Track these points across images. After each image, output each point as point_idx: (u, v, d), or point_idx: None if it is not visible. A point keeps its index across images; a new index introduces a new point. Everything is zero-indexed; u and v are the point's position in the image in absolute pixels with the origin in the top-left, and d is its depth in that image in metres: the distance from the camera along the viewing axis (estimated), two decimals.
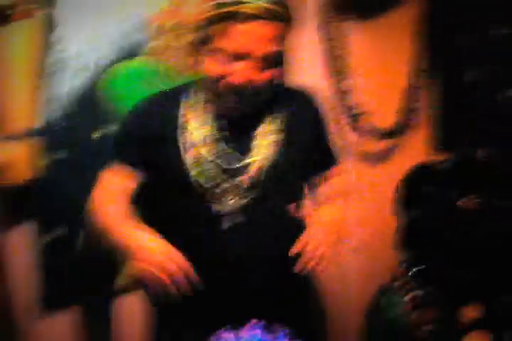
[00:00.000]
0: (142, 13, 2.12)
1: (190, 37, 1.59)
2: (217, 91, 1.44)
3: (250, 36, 1.36)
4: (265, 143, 1.51)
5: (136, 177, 1.52)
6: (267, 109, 1.53)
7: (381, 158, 2.62)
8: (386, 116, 2.55)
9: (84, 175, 2.05)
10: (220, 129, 1.51)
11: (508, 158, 1.56)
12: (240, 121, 1.50)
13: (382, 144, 2.60)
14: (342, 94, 2.56)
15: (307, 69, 2.49)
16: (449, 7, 2.37)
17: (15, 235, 2.02)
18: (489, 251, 1.45)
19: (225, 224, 1.47)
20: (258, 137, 1.52)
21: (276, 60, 1.43)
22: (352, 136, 2.66)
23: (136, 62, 2.15)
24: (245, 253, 1.48)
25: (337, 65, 2.52)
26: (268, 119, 1.54)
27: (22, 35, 1.90)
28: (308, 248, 1.43)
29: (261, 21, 1.36)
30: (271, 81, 1.43)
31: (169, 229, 1.47)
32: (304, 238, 1.45)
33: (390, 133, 2.55)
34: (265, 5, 1.36)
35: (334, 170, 1.71)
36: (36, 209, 2.05)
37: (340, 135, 2.65)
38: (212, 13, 1.38)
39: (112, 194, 1.52)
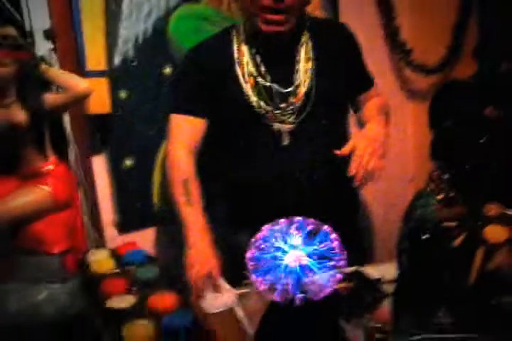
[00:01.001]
0: None
1: None
2: (254, 19, 1.62)
3: None
4: (302, 70, 1.70)
5: (202, 123, 1.70)
6: (300, 39, 1.72)
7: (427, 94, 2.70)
8: (434, 53, 2.65)
9: (154, 110, 2.32)
10: (268, 59, 1.71)
11: None
12: (282, 51, 1.71)
13: (430, 80, 2.70)
14: (393, 31, 2.70)
15: (361, 9, 2.65)
16: None
17: (97, 160, 2.28)
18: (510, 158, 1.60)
19: (285, 140, 1.68)
20: (296, 64, 1.70)
21: None
22: (405, 72, 2.80)
23: (200, 5, 2.35)
24: (305, 164, 1.69)
25: (387, 5, 2.65)
26: (303, 48, 1.72)
27: None
28: (357, 153, 1.56)
29: None
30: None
31: (239, 150, 1.70)
32: (350, 144, 1.59)
33: (437, 69, 2.65)
34: None
35: (372, 91, 1.84)
36: (111, 139, 2.27)
37: (394, 71, 2.81)
38: None
39: (184, 146, 1.69)
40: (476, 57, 2.30)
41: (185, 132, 1.71)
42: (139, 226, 2.36)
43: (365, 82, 1.84)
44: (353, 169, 1.54)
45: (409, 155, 2.87)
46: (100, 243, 2.23)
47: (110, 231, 2.31)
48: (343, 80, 1.72)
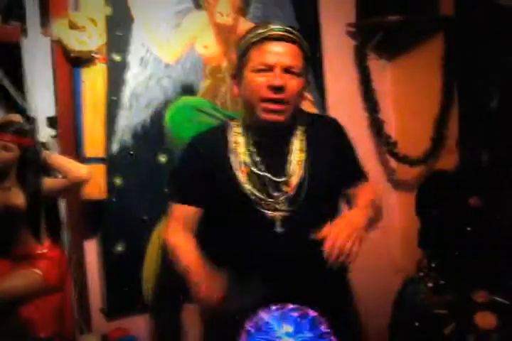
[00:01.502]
0: (201, 54, 2.47)
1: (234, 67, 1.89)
2: (254, 109, 1.72)
3: (277, 51, 1.68)
4: (295, 161, 1.79)
5: (198, 212, 1.78)
6: (294, 131, 1.82)
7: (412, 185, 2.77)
8: (418, 144, 2.77)
9: (148, 197, 2.38)
10: (263, 149, 1.80)
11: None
12: (276, 142, 1.80)
13: (415, 171, 2.80)
14: (378, 125, 2.84)
15: (346, 103, 2.80)
16: (471, 40, 2.56)
17: (89, 244, 2.30)
18: (496, 244, 1.66)
19: (279, 227, 1.72)
20: (289, 155, 1.79)
21: (299, 74, 1.71)
22: (391, 163, 2.91)
23: (196, 98, 2.48)
24: (296, 251, 1.71)
25: (372, 99, 2.81)
26: (296, 140, 1.81)
27: (101, 74, 2.25)
28: (333, 232, 1.57)
29: (285, 42, 1.69)
30: (298, 90, 1.71)
31: (233, 237, 1.74)
32: (327, 226, 1.61)
33: (421, 160, 2.76)
34: (289, 30, 1.70)
35: (366, 186, 1.88)
36: (104, 224, 2.30)
37: (381, 162, 2.91)
38: (250, 36, 1.71)
39: (181, 226, 1.77)
40: (458, 148, 2.42)
41: (181, 219, 1.78)
42: (128, 313, 2.34)
43: (357, 175, 1.88)
44: (326, 247, 1.54)
45: (396, 245, 2.92)
46: (87, 328, 2.20)
47: (98, 317, 2.28)
48: (335, 172, 1.77)
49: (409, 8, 2.66)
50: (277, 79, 1.66)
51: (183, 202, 1.79)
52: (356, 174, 1.89)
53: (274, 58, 1.67)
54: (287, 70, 1.68)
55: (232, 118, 1.89)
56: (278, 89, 1.66)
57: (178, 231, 1.76)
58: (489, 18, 2.47)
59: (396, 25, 2.67)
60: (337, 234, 1.56)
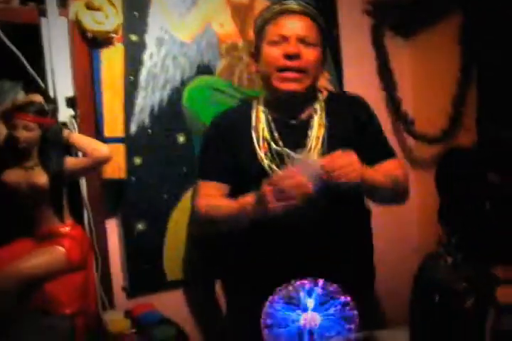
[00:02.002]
0: (217, 32, 2.47)
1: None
2: (272, 81, 1.75)
3: (291, 23, 1.75)
4: (314, 135, 1.80)
5: (224, 187, 1.84)
6: (315, 106, 1.83)
7: (430, 163, 2.79)
8: (436, 123, 2.77)
9: (167, 176, 2.40)
10: (282, 125, 1.82)
11: None
12: (296, 116, 1.81)
13: (433, 149, 2.80)
14: (395, 103, 2.83)
15: (363, 82, 2.79)
16: (490, 18, 2.52)
17: (110, 224, 2.34)
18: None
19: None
20: (309, 131, 1.81)
21: (315, 44, 1.74)
22: (408, 142, 2.91)
23: (213, 77, 2.48)
24: (317, 225, 1.75)
25: (389, 77, 2.79)
26: (316, 115, 1.83)
27: (118, 55, 2.26)
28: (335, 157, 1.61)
29: (299, 15, 1.75)
30: (314, 59, 1.73)
31: None
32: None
33: (439, 138, 2.75)
34: (303, 5, 1.77)
35: (391, 162, 1.89)
36: (125, 204, 2.33)
37: (398, 140, 2.91)
38: (266, 12, 1.74)
39: (215, 200, 1.83)
40: (477, 126, 2.40)
41: (208, 193, 1.84)
42: (149, 291, 2.37)
43: (382, 152, 1.89)
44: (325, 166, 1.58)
45: (415, 223, 2.93)
46: (110, 305, 2.24)
47: (120, 295, 2.32)
48: (356, 148, 1.75)
49: None
50: (292, 47, 1.71)
51: (210, 179, 1.82)
52: (382, 150, 1.90)
53: (288, 29, 1.73)
54: (302, 41, 1.73)
55: (250, 97, 1.90)
56: (293, 57, 1.71)
57: (208, 201, 1.81)
58: None
59: (413, 2, 2.64)
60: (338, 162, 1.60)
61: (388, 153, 1.91)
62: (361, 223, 1.89)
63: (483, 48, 2.58)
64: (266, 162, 1.78)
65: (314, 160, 1.62)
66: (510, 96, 2.45)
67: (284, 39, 1.73)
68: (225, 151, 1.83)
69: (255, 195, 1.64)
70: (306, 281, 1.42)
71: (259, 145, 1.80)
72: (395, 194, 1.82)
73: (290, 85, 1.74)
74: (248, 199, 1.68)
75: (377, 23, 2.80)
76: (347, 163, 1.59)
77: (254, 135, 1.82)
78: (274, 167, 1.77)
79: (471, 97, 2.64)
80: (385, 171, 1.80)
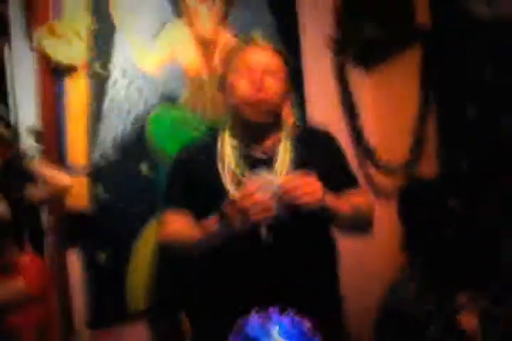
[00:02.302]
0: (182, 63, 2.49)
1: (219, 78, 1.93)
2: (238, 111, 1.78)
3: (257, 55, 1.78)
4: (280, 162, 1.81)
5: (191, 215, 1.81)
6: (279, 140, 1.85)
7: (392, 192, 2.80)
8: (397, 152, 2.82)
9: (130, 205, 2.38)
10: (248, 154, 1.83)
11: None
12: (260, 147, 1.83)
13: (394, 179, 2.84)
14: (357, 133, 2.88)
15: (326, 112, 2.84)
16: (448, 51, 2.62)
17: (72, 254, 2.29)
18: (474, 246, 1.69)
19: (264, 234, 1.71)
20: (275, 157, 1.82)
21: (280, 76, 1.77)
22: (371, 171, 2.95)
23: (176, 106, 2.49)
24: (281, 259, 1.74)
25: (352, 108, 2.85)
26: (281, 145, 1.84)
27: (83, 85, 2.26)
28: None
29: (265, 48, 1.80)
30: (279, 91, 1.76)
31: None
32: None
33: (401, 168, 2.80)
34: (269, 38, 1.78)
35: (356, 192, 1.88)
36: (86, 234, 2.30)
37: (361, 170, 2.94)
38: (234, 46, 1.78)
39: (180, 224, 1.82)
40: (437, 155, 2.46)
41: (175, 222, 1.82)
42: (112, 324, 2.32)
43: (346, 181, 1.88)
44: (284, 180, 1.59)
45: (378, 251, 2.95)
46: (72, 339, 2.18)
47: (83, 328, 2.26)
48: (321, 176, 1.74)
49: (387, 18, 2.70)
50: (257, 78, 1.73)
51: (175, 208, 1.82)
52: (346, 179, 1.90)
53: (254, 61, 1.76)
54: (267, 72, 1.75)
55: (216, 125, 1.92)
56: (259, 87, 1.72)
57: (173, 228, 1.81)
58: (465, 29, 2.53)
59: (373, 35, 2.71)
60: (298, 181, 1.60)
61: (353, 182, 1.92)
62: (326, 250, 1.89)
63: (442, 80, 2.65)
64: (231, 190, 1.78)
65: (273, 178, 1.62)
66: (469, 125, 2.51)
67: (250, 70, 1.76)
68: (190, 183, 1.82)
69: (218, 215, 1.64)
70: (270, 309, 1.41)
71: (224, 174, 1.80)
72: (358, 222, 1.83)
73: (256, 116, 1.75)
74: (211, 221, 1.67)
75: (339, 55, 2.86)
76: (306, 184, 1.59)
77: (219, 165, 1.82)
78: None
79: (432, 128, 2.70)
80: (349, 200, 1.81)
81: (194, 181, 1.82)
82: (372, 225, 1.90)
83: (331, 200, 1.68)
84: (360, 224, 1.86)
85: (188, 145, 1.95)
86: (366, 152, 2.89)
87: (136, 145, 2.39)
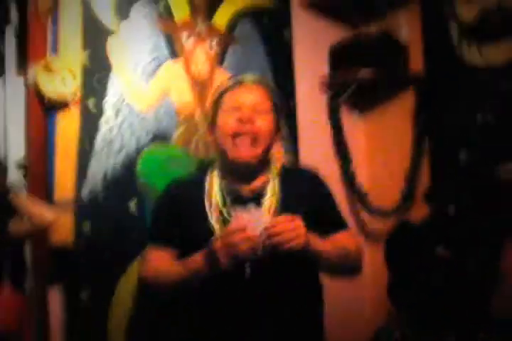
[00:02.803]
0: (175, 102, 2.51)
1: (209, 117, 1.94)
2: (226, 147, 1.78)
3: (246, 92, 1.81)
4: (267, 205, 1.80)
5: (174, 252, 1.80)
6: (268, 177, 1.84)
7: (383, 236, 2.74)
8: (389, 196, 2.80)
9: (116, 243, 2.35)
10: (236, 193, 1.81)
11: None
12: (248, 186, 1.82)
13: (386, 222, 2.81)
14: (349, 176, 2.87)
15: (319, 155, 2.84)
16: (441, 96, 2.64)
17: (53, 291, 2.23)
18: (464, 294, 1.66)
19: (248, 272, 1.68)
20: (262, 199, 1.81)
21: (269, 113, 1.79)
22: (362, 215, 2.92)
23: (168, 145, 2.49)
24: (264, 297, 1.71)
25: (344, 151, 2.85)
26: (269, 186, 1.83)
27: (74, 120, 2.26)
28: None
29: (254, 86, 1.82)
30: (267, 126, 1.78)
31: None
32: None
33: (393, 212, 2.77)
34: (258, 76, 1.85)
35: (344, 234, 1.86)
36: (69, 270, 2.25)
37: (352, 213, 2.92)
38: (222, 88, 1.78)
39: (161, 261, 1.80)
40: (427, 202, 2.44)
41: (158, 258, 1.80)
42: None
43: (335, 224, 1.87)
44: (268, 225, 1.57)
45: (365, 297, 2.90)
46: None
47: None
48: (308, 219, 1.73)
49: (380, 63, 2.73)
50: (245, 113, 1.75)
51: (159, 245, 1.79)
52: (334, 222, 1.89)
53: (242, 98, 1.79)
54: (256, 109, 1.78)
55: (206, 163, 1.92)
56: (246, 122, 1.75)
57: (156, 266, 1.80)
58: (457, 75, 2.55)
59: (367, 79, 2.74)
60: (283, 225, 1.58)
61: (341, 225, 1.90)
62: (311, 292, 1.85)
63: (435, 125, 2.66)
64: (216, 229, 1.76)
65: (262, 216, 1.61)
66: (460, 170, 2.51)
67: (239, 107, 1.78)
68: (176, 219, 1.81)
69: (204, 252, 1.62)
70: None
71: (211, 212, 1.79)
72: (345, 265, 1.80)
73: (243, 152, 1.75)
74: (196, 257, 1.66)
75: (333, 97, 2.88)
76: (290, 229, 1.58)
77: (206, 202, 1.81)
78: None
79: (425, 173, 2.69)
80: (335, 242, 1.78)
81: (179, 217, 1.81)
82: (361, 268, 1.87)
83: (316, 244, 1.66)
84: (347, 266, 1.84)
85: (175, 182, 1.94)
86: (358, 196, 2.87)
87: (125, 182, 2.37)
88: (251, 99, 1.79)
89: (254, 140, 1.76)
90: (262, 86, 1.84)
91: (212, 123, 1.87)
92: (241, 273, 1.67)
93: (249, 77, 1.88)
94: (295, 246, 1.57)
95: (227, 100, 1.82)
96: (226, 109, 1.81)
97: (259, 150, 1.78)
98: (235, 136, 1.76)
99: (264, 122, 1.78)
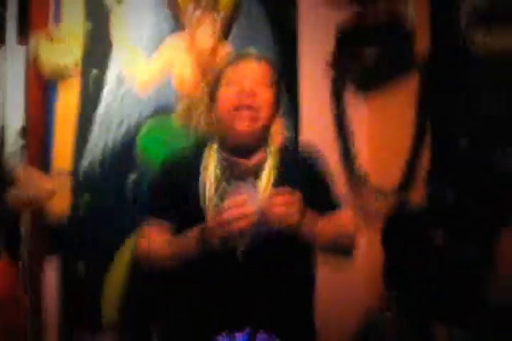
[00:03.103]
0: (178, 75, 2.48)
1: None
2: (227, 121, 1.75)
3: (248, 65, 1.77)
4: (265, 177, 1.79)
5: (170, 228, 1.77)
6: (267, 151, 1.83)
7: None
8: (389, 177, 2.80)
9: (113, 215, 2.35)
10: (234, 166, 1.80)
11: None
12: (248, 159, 1.81)
13: (386, 203, 2.81)
14: (350, 157, 2.85)
15: (319, 134, 2.82)
16: (445, 81, 2.62)
17: (48, 265, 2.25)
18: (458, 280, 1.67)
19: (240, 256, 1.67)
20: (260, 172, 1.80)
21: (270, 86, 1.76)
22: (361, 195, 2.92)
23: (169, 119, 2.48)
24: (256, 279, 1.69)
25: (346, 130, 2.83)
26: (269, 159, 1.82)
27: (75, 89, 2.24)
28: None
29: (255, 59, 1.78)
30: (269, 99, 1.75)
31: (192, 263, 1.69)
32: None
33: (393, 193, 2.77)
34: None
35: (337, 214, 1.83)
36: (65, 243, 2.26)
37: (352, 193, 2.91)
38: (225, 60, 1.77)
39: (157, 238, 1.77)
40: (426, 185, 2.44)
41: (153, 235, 1.77)
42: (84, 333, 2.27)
43: (331, 203, 1.85)
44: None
45: (362, 280, 2.91)
46: None
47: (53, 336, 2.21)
48: (304, 196, 1.67)
49: (386, 43, 2.70)
50: (246, 86, 1.72)
51: (155, 219, 1.78)
52: (331, 201, 1.86)
53: (244, 70, 1.76)
54: (257, 82, 1.75)
55: (204, 139, 1.90)
56: (247, 94, 1.72)
57: (151, 238, 1.77)
58: (463, 61, 2.52)
59: (371, 59, 2.71)
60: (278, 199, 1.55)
61: (337, 205, 1.90)
62: (302, 274, 1.85)
63: (438, 109, 2.64)
64: (212, 204, 1.75)
65: (258, 192, 1.59)
66: (460, 157, 2.50)
67: (240, 79, 1.75)
68: (172, 194, 1.80)
69: (198, 228, 1.61)
70: (237, 333, 1.38)
71: (208, 185, 1.78)
72: (339, 244, 1.80)
73: (244, 124, 1.74)
74: (189, 234, 1.64)
75: (337, 77, 2.85)
76: (285, 203, 1.56)
77: (203, 174, 1.80)
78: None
79: (425, 155, 2.68)
80: (330, 221, 1.78)
81: (176, 192, 1.79)
82: (354, 248, 1.87)
83: (312, 220, 1.65)
84: (341, 246, 1.83)
85: (172, 156, 1.93)
86: (357, 176, 2.86)
87: (125, 154, 2.37)
88: (252, 72, 1.77)
89: (255, 113, 1.75)
90: (263, 60, 1.81)
91: (212, 97, 1.85)
92: (233, 253, 1.66)
93: (251, 51, 1.87)
94: (290, 221, 1.56)
95: (229, 74, 1.79)
96: (227, 82, 1.78)
97: (259, 124, 1.76)
98: (235, 109, 1.74)
99: (264, 96, 1.76)
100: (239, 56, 1.83)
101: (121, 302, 2.34)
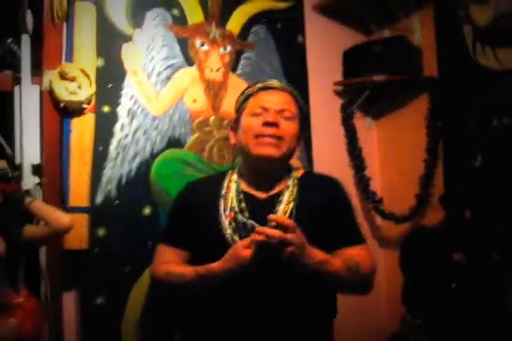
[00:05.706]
0: (189, 107, 2.51)
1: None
2: (249, 148, 1.77)
3: (271, 96, 1.81)
4: (282, 211, 1.79)
5: (185, 255, 1.83)
6: (286, 183, 1.83)
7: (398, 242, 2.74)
8: (403, 201, 2.79)
9: (130, 249, 2.35)
10: (251, 197, 1.81)
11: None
12: (267, 192, 1.82)
13: (400, 228, 2.80)
14: (364, 182, 2.86)
15: (332, 160, 2.83)
16: (454, 104, 2.63)
17: (68, 296, 2.25)
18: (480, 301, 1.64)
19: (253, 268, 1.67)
20: (277, 205, 1.80)
21: (293, 118, 1.79)
22: (376, 220, 2.91)
23: (183, 151, 2.50)
24: (274, 298, 1.70)
25: (358, 156, 2.84)
26: (287, 191, 1.82)
27: (89, 125, 2.28)
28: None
29: (279, 90, 1.82)
30: (292, 131, 1.78)
31: None
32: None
33: (407, 218, 2.76)
34: (282, 82, 1.86)
35: (360, 249, 1.82)
36: (85, 277, 2.26)
37: (367, 219, 2.91)
38: (249, 89, 1.81)
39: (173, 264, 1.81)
40: (443, 206, 2.42)
41: (168, 258, 1.81)
42: None
43: (350, 237, 1.84)
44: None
45: (381, 302, 2.88)
46: None
47: None
48: (324, 230, 1.76)
49: (394, 68, 2.73)
50: (271, 116, 1.75)
51: (170, 245, 1.79)
52: (350, 235, 1.85)
53: (268, 102, 1.79)
54: (281, 113, 1.78)
55: (224, 170, 1.93)
56: (271, 124, 1.74)
57: (167, 267, 1.80)
58: (472, 79, 2.54)
59: (381, 84, 2.73)
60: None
61: (357, 239, 1.86)
62: (323, 297, 1.83)
63: (450, 129, 2.65)
64: (229, 232, 1.76)
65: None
66: (474, 175, 2.49)
67: (264, 110, 1.78)
68: (190, 219, 1.81)
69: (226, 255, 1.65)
70: None
71: (225, 214, 1.79)
72: (354, 283, 1.77)
73: (266, 149, 1.75)
74: (213, 264, 1.67)
75: (347, 103, 2.88)
76: (283, 235, 1.59)
77: (221, 203, 1.81)
78: (236, 238, 1.74)
79: (439, 178, 2.67)
80: (347, 257, 1.76)
81: (193, 219, 1.80)
82: (371, 286, 1.83)
83: (321, 259, 1.66)
84: (357, 284, 1.80)
85: (196, 180, 1.95)
86: (372, 201, 2.86)
87: (140, 187, 2.38)
88: (277, 103, 1.79)
89: (279, 141, 1.76)
90: (288, 92, 1.84)
91: (236, 127, 1.87)
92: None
93: (274, 81, 1.88)
94: (289, 253, 1.59)
95: (253, 104, 1.82)
96: (251, 112, 1.80)
97: (282, 150, 1.77)
98: (259, 136, 1.76)
99: (288, 127, 1.78)
100: (263, 87, 1.85)
101: (142, 335, 2.33)
